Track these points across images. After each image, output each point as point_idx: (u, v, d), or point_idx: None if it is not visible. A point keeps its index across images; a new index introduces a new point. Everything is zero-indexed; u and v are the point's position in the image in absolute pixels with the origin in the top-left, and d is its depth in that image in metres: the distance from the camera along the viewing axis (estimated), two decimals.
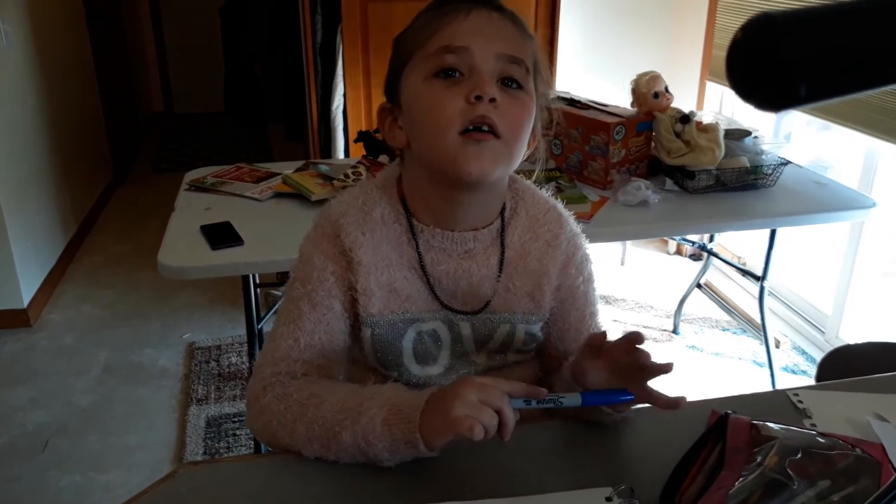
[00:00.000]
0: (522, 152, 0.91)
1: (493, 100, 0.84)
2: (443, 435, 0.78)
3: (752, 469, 0.77)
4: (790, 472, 0.76)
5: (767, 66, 0.36)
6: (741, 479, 0.76)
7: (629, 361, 0.83)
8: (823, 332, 2.85)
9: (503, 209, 0.98)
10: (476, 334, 0.98)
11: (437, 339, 0.99)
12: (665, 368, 0.82)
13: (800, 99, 0.36)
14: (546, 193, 1.03)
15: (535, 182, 1.03)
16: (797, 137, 3.24)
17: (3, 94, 3.07)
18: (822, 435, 0.85)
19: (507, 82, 0.87)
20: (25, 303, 3.05)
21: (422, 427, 0.79)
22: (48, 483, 2.20)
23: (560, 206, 1.03)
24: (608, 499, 0.78)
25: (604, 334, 0.85)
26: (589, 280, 1.03)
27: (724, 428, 0.85)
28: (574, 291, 1.01)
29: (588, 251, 1.04)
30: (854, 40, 0.35)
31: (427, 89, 0.86)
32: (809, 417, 0.95)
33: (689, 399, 0.99)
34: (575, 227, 1.02)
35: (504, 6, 0.90)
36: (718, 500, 0.73)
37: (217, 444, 2.37)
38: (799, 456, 0.79)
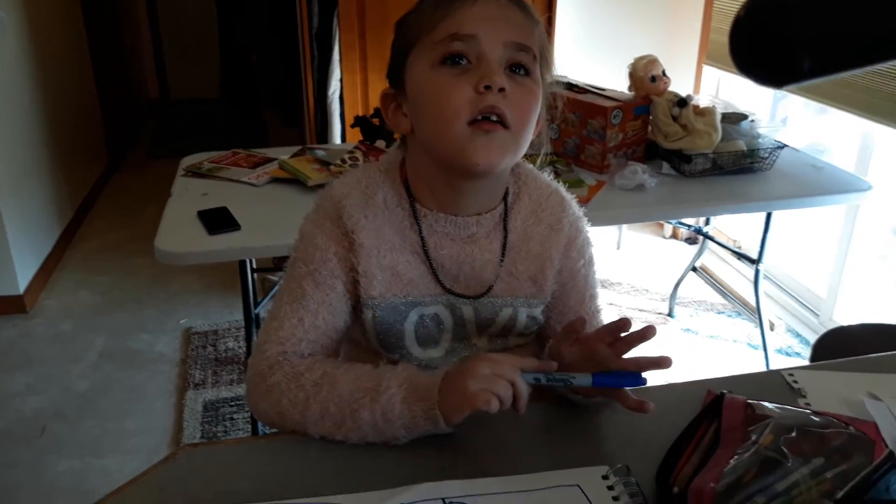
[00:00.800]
0: (529, 140, 0.90)
1: (501, 89, 0.83)
2: (461, 410, 0.80)
3: (747, 447, 0.78)
4: (785, 449, 0.77)
5: (772, 40, 0.36)
6: (736, 456, 0.77)
7: (605, 353, 0.85)
8: (818, 315, 2.87)
9: (506, 194, 0.98)
10: (478, 318, 0.99)
11: (438, 323, 0.99)
12: (644, 335, 0.84)
13: (803, 74, 0.37)
14: (549, 177, 1.04)
15: (537, 166, 1.04)
16: (794, 121, 3.24)
17: None
18: (817, 414, 0.85)
19: (514, 69, 0.86)
20: (22, 289, 3.05)
21: (441, 404, 0.81)
22: (46, 468, 2.21)
23: (562, 189, 1.03)
24: (604, 477, 0.79)
25: (582, 321, 0.86)
26: (590, 263, 1.04)
27: (720, 407, 0.86)
28: (575, 274, 1.02)
29: (589, 235, 1.04)
30: (857, 16, 0.35)
31: (434, 77, 0.85)
32: (804, 397, 0.96)
33: (683, 381, 1.01)
34: (577, 210, 1.03)
35: None
36: (713, 477, 0.74)
37: (214, 429, 2.38)
38: (793, 434, 0.79)
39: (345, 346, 1.04)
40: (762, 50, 0.38)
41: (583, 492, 0.77)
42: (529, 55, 0.87)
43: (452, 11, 0.85)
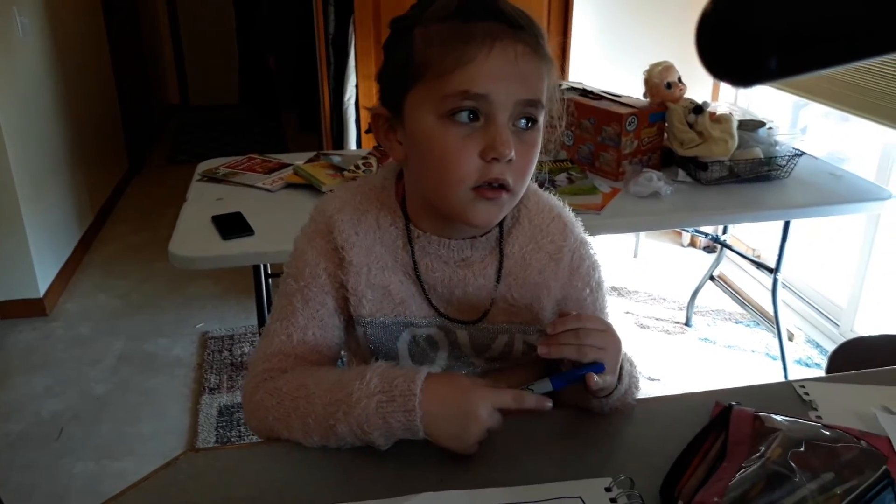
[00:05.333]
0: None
1: (510, 160, 0.81)
2: (449, 445, 0.81)
3: (754, 461, 0.76)
4: (792, 464, 0.75)
5: (736, 38, 0.35)
6: (742, 470, 0.75)
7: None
8: (838, 325, 2.82)
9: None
10: (474, 342, 0.97)
11: (432, 343, 0.97)
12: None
13: (769, 73, 0.35)
14: (553, 197, 1.00)
15: (543, 173, 1.01)
16: (814, 129, 3.20)
17: (20, 85, 3.09)
18: (827, 427, 0.84)
19: (521, 122, 0.83)
20: (42, 292, 3.08)
21: (426, 420, 0.80)
22: (62, 470, 2.23)
23: (566, 212, 0.99)
24: (607, 489, 0.78)
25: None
26: (597, 288, 1.00)
27: (728, 420, 0.84)
28: (581, 303, 0.98)
29: (596, 257, 1.00)
30: (826, 13, 0.34)
31: (441, 134, 0.81)
32: (815, 410, 0.94)
33: (694, 391, 0.99)
34: (581, 235, 0.98)
35: (524, 24, 0.82)
36: (717, 491, 0.73)
37: (229, 433, 2.39)
38: (802, 448, 0.78)
39: (347, 355, 1.03)
40: (727, 47, 0.36)
41: None
42: (538, 108, 0.84)
43: (465, 64, 0.79)
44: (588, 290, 0.98)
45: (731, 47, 0.36)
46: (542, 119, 0.85)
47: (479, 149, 0.81)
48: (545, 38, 0.84)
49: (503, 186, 0.83)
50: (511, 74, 0.80)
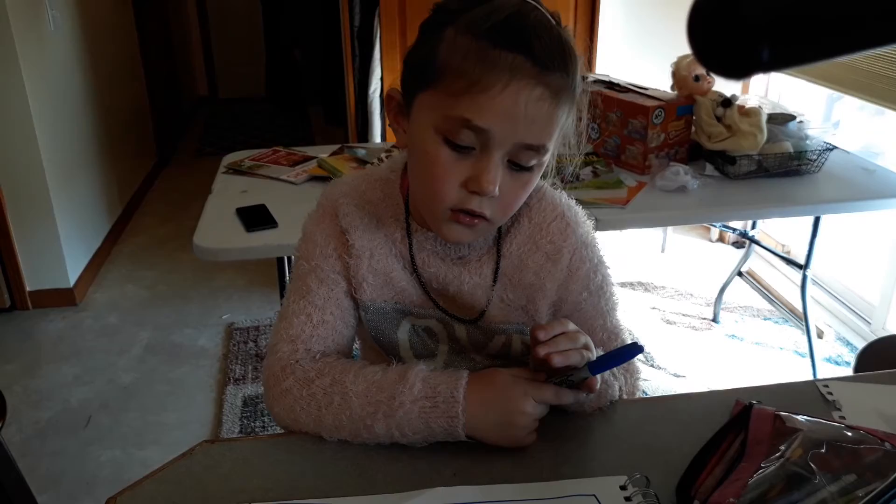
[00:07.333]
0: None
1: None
2: (500, 444, 0.82)
3: (773, 461, 0.75)
4: (812, 465, 0.74)
5: (727, 27, 0.34)
6: (760, 470, 0.74)
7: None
8: (870, 323, 2.77)
9: None
10: (472, 339, 0.96)
11: (432, 335, 0.97)
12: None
13: (762, 65, 0.34)
14: (561, 195, 0.96)
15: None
16: (848, 123, 3.14)
17: (51, 78, 3.14)
18: (850, 428, 0.82)
19: (517, 165, 0.81)
20: (72, 282, 3.13)
21: (470, 423, 0.80)
22: (89, 457, 2.27)
23: (571, 212, 0.94)
24: (622, 487, 0.77)
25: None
26: (598, 291, 0.95)
27: (748, 419, 0.83)
28: (579, 307, 0.95)
29: (601, 259, 0.96)
30: (821, 1, 0.32)
31: (434, 149, 0.80)
32: (839, 410, 0.92)
33: (718, 389, 0.98)
34: (584, 236, 0.94)
35: (555, 65, 0.77)
36: (735, 491, 0.71)
37: (253, 423, 2.41)
38: (823, 449, 0.76)
39: (360, 345, 1.03)
40: (717, 37, 0.35)
41: (599, 502, 0.75)
42: (540, 153, 0.80)
43: (476, 92, 0.75)
44: (585, 294, 0.95)
45: (721, 37, 0.35)
46: (545, 158, 0.82)
47: (465, 177, 0.80)
48: (576, 77, 0.80)
49: (481, 216, 0.82)
50: (519, 117, 0.76)
